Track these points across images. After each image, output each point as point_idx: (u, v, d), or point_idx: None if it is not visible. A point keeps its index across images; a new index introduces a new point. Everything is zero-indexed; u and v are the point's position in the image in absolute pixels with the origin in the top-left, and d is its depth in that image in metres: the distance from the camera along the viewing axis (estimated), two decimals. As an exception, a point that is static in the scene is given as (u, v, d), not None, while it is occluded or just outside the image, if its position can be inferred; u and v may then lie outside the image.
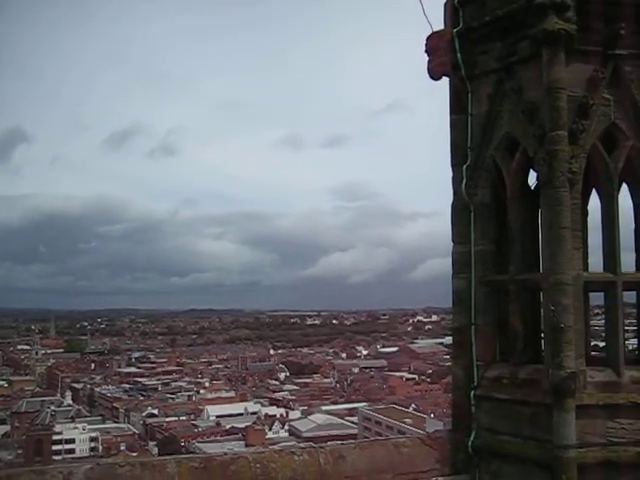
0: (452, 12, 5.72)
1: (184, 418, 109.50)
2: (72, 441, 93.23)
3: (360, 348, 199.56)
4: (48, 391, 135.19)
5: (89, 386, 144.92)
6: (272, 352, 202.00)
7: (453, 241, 5.79)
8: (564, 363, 4.88)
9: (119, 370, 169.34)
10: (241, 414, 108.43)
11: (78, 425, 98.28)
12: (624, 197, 5.46)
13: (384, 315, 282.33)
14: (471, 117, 5.67)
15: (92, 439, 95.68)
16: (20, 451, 79.15)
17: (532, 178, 5.53)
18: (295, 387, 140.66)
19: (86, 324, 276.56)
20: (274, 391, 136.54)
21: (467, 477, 5.52)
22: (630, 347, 5.57)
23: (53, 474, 4.58)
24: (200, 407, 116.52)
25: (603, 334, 5.37)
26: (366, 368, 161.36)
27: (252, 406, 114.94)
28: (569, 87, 5.05)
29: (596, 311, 6.35)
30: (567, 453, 4.81)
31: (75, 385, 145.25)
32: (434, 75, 5.79)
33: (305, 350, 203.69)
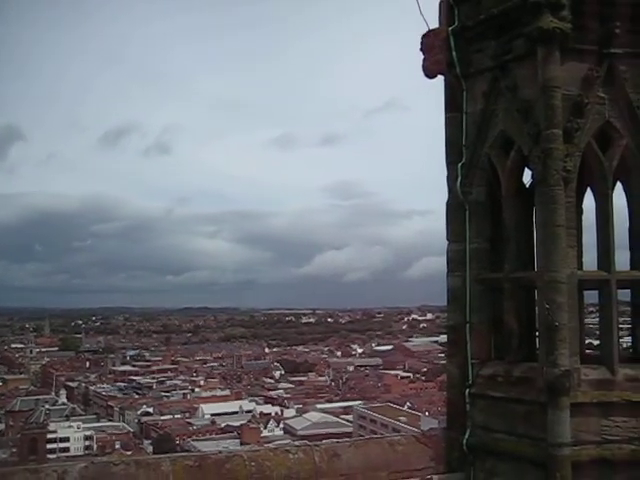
0: (447, 10, 5.72)
1: (179, 416, 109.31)
2: (67, 440, 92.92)
3: (355, 346, 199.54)
4: (42, 390, 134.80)
5: (84, 384, 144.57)
6: (267, 350, 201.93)
7: (448, 239, 5.79)
8: (558, 361, 4.89)
9: (114, 368, 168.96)
10: (236, 412, 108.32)
11: (73, 424, 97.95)
12: (618, 196, 5.48)
13: (379, 313, 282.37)
14: (466, 115, 5.68)
15: (87, 437, 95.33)
16: (14, 450, 78.91)
17: (527, 176, 5.55)
18: (290, 385, 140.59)
19: (81, 322, 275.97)
20: (269, 389, 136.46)
21: (462, 475, 5.53)
22: (624, 345, 5.58)
23: (47, 473, 4.57)
24: (195, 405, 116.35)
25: (597, 332, 5.38)
26: (361, 366, 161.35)
27: (247, 404, 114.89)
28: (564, 86, 5.06)
29: (590, 309, 6.37)
30: (561, 451, 4.82)
31: (70, 383, 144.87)
32: (429, 73, 5.79)
33: (300, 348, 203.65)
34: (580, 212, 5.72)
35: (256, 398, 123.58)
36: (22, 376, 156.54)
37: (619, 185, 5.53)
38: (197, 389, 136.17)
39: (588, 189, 5.72)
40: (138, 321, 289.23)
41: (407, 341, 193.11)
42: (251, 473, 5.02)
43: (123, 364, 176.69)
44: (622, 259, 5.40)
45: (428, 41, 5.77)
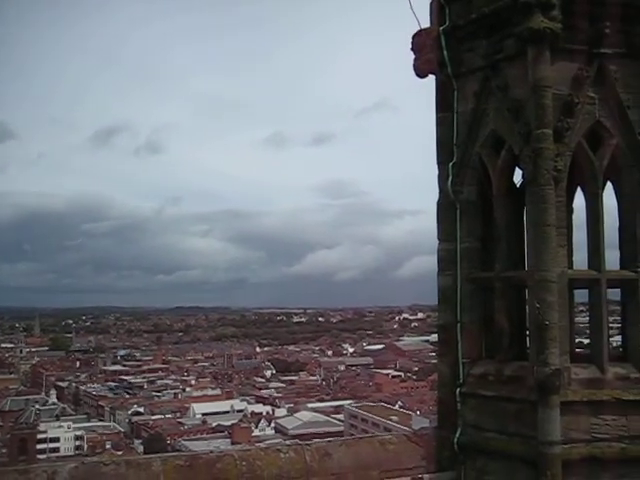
0: (438, 10, 5.72)
1: (170, 416, 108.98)
2: (57, 440, 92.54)
3: (346, 346, 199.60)
4: (32, 389, 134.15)
5: (74, 384, 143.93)
6: (258, 350, 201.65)
7: (439, 238, 5.80)
8: (549, 360, 4.91)
9: (104, 368, 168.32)
10: (227, 412, 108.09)
11: (63, 424, 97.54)
12: (609, 195, 5.50)
13: (370, 312, 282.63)
14: (457, 115, 5.68)
15: (77, 438, 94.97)
16: (4, 450, 78.50)
17: (518, 176, 5.56)
18: (281, 385, 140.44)
19: (71, 322, 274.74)
20: (260, 389, 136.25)
21: (453, 474, 5.54)
22: (614, 344, 5.61)
23: (37, 473, 4.55)
24: (186, 405, 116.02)
25: (588, 331, 5.41)
26: (352, 366, 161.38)
27: (238, 404, 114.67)
28: (554, 85, 5.08)
29: (581, 308, 6.38)
30: (552, 449, 4.83)
31: (60, 383, 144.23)
32: (420, 73, 5.80)
33: (291, 348, 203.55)
34: (570, 211, 5.74)
35: (247, 397, 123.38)
36: (12, 376, 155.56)
37: (609, 185, 5.55)
38: (188, 389, 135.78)
39: (578, 188, 5.74)
40: (129, 320, 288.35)
41: (398, 340, 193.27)
42: (242, 473, 5.01)
43: (114, 364, 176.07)
44: (612, 258, 5.42)
45: (419, 40, 5.77)
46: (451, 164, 5.68)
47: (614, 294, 5.48)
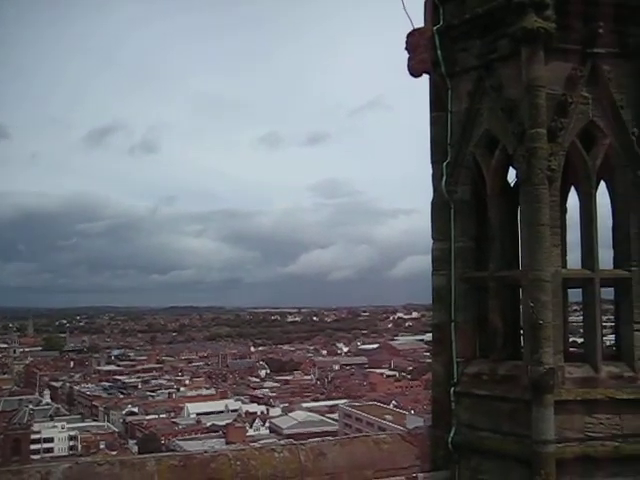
0: (432, 9, 5.73)
1: (164, 416, 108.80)
2: (51, 440, 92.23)
3: (340, 345, 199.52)
4: (26, 390, 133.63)
5: (68, 384, 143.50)
6: (252, 349, 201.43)
7: (433, 238, 5.81)
8: (543, 359, 4.92)
9: (98, 368, 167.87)
10: (221, 412, 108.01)
11: (57, 424, 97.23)
12: (602, 195, 5.51)
13: (364, 312, 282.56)
14: (451, 114, 5.69)
15: (71, 438, 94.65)
16: (-3, 450, 78.25)
17: (512, 175, 5.57)
18: (276, 384, 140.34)
19: (65, 322, 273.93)
20: (254, 388, 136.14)
21: (447, 473, 5.55)
22: (608, 343, 5.62)
23: (31, 474, 4.54)
24: (180, 405, 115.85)
25: (581, 330, 5.42)
26: (346, 365, 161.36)
27: (233, 403, 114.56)
28: (548, 85, 5.09)
29: (574, 307, 6.40)
30: (546, 448, 4.84)
31: (54, 383, 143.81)
32: (414, 72, 5.80)
33: (286, 347, 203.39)
34: (564, 211, 5.76)
35: (242, 397, 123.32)
36: (5, 376, 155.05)
37: (603, 184, 5.56)
38: (182, 388, 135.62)
39: (572, 188, 5.75)
40: (123, 320, 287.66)
41: (392, 340, 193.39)
42: (236, 472, 5.01)
43: (108, 364, 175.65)
44: (606, 258, 5.44)
45: (413, 40, 5.77)
46: (445, 164, 5.69)
47: (608, 293, 5.50)
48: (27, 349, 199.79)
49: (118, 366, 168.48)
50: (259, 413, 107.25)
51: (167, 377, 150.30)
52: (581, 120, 5.24)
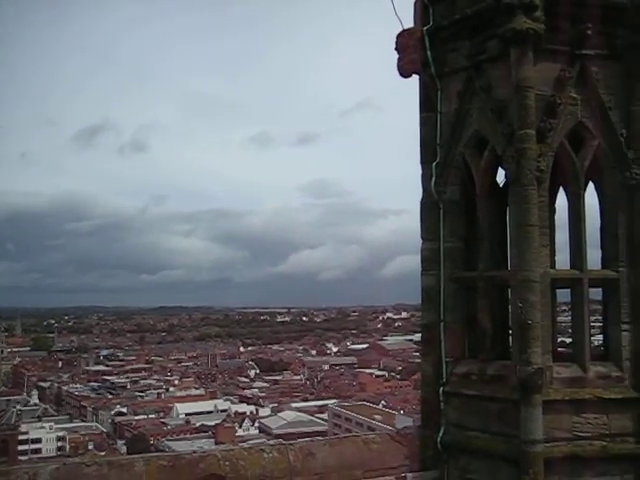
0: (422, 10, 5.74)
1: (153, 416, 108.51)
2: (38, 441, 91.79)
3: (330, 345, 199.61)
4: (14, 390, 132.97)
5: (56, 385, 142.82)
6: (242, 349, 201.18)
7: (422, 238, 5.81)
8: (531, 359, 4.93)
9: (87, 368, 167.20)
10: (211, 412, 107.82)
11: (45, 424, 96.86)
12: (590, 195, 5.54)
13: (354, 312, 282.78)
14: (441, 115, 5.70)
15: (59, 438, 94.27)
16: (-15, 451, 77.74)
17: (501, 176, 5.58)
18: (265, 384, 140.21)
19: (53, 322, 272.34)
20: (244, 388, 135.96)
21: (436, 473, 5.56)
22: (596, 343, 5.65)
23: (18, 475, 4.51)
24: (169, 405, 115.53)
25: (570, 330, 5.44)
26: (336, 365, 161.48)
27: (222, 404, 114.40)
28: (537, 86, 5.10)
29: (563, 307, 6.42)
30: (534, 448, 4.86)
31: (42, 384, 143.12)
32: (404, 73, 5.80)
33: (275, 347, 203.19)
34: (553, 211, 5.78)
35: (231, 397, 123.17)
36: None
37: (591, 185, 5.59)
38: (171, 388, 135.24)
39: (561, 189, 5.77)
40: (112, 320, 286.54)
41: (382, 340, 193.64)
42: (225, 473, 4.99)
43: (96, 364, 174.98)
44: (594, 258, 5.46)
45: (403, 40, 5.78)
46: (434, 164, 5.69)
47: (596, 293, 5.52)
48: (15, 349, 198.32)
49: (107, 366, 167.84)
50: (248, 413, 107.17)
51: (156, 377, 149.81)
52: (570, 121, 5.26)
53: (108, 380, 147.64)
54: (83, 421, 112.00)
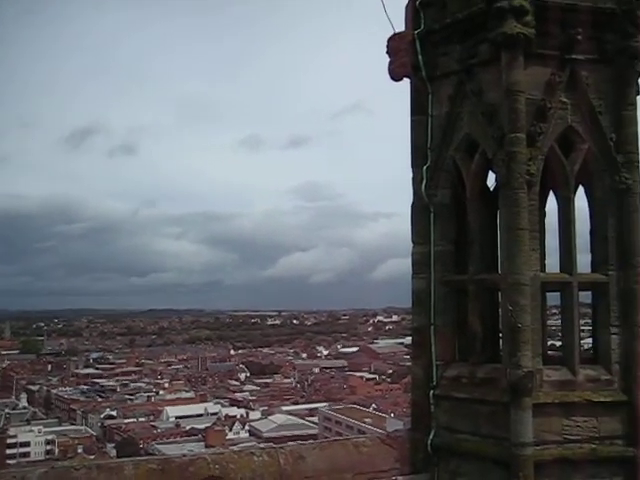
0: (413, 14, 5.75)
1: (143, 419, 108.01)
2: (27, 444, 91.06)
3: (321, 348, 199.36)
4: (2, 393, 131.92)
5: (45, 388, 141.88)
6: (232, 352, 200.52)
7: (413, 241, 5.82)
8: (521, 362, 4.95)
9: (76, 371, 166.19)
10: (201, 415, 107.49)
11: (33, 428, 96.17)
12: (580, 199, 5.57)
13: (344, 315, 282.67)
14: (431, 118, 5.71)
15: (48, 442, 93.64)
16: (-27, 455, 77.16)
17: (492, 179, 5.60)
18: (255, 387, 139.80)
19: (42, 325, 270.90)
20: (234, 391, 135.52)
21: (426, 476, 5.56)
22: (585, 346, 5.67)
23: (7, 479, 4.47)
24: (159, 408, 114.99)
25: (559, 333, 5.46)
26: (327, 368, 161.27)
27: (212, 407, 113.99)
28: (527, 90, 5.13)
29: (553, 311, 6.44)
30: (524, 451, 4.87)
31: (31, 387, 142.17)
32: (395, 76, 5.81)
33: (265, 350, 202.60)
34: (543, 215, 5.80)
35: (221, 400, 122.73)
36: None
37: (581, 189, 5.61)
38: (161, 392, 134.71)
39: (551, 192, 5.79)
40: (102, 323, 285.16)
41: (372, 343, 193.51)
42: (214, 476, 4.97)
43: (86, 367, 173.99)
44: (584, 262, 5.48)
45: (394, 44, 5.79)
46: (425, 167, 5.70)
47: (585, 297, 5.54)
48: (4, 352, 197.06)
49: (96, 369, 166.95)
50: (239, 416, 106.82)
51: (146, 380, 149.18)
52: (560, 125, 5.29)
53: (98, 383, 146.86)
54: (72, 424, 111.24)
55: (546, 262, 5.73)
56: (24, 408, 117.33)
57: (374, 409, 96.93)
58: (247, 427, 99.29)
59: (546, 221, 5.89)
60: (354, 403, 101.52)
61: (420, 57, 5.66)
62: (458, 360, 5.64)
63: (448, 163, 5.63)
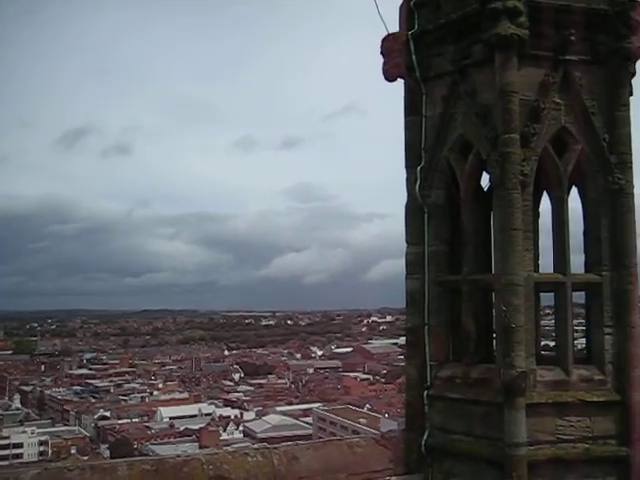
0: (407, 14, 5.75)
1: (137, 420, 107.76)
2: (20, 445, 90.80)
3: (315, 349, 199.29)
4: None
5: (39, 388, 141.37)
6: (226, 353, 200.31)
7: (407, 242, 5.82)
8: (515, 362, 4.96)
9: (70, 372, 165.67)
10: (195, 415, 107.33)
11: (27, 429, 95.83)
12: (574, 199, 5.58)
13: (339, 316, 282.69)
14: (425, 119, 5.72)
15: (41, 443, 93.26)
16: (-35, 456, 76.98)
17: (485, 180, 5.61)
18: (249, 388, 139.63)
19: (36, 325, 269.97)
20: (228, 392, 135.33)
21: (420, 476, 5.56)
22: (579, 347, 5.68)
23: (-1, 479, 4.46)
24: (153, 409, 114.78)
25: (553, 334, 5.47)
26: (321, 369, 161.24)
27: (206, 407, 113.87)
28: (521, 91, 5.14)
29: (546, 311, 6.46)
30: (518, 451, 4.88)
31: (24, 388, 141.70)
32: (389, 77, 5.82)
33: (260, 351, 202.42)
34: (537, 216, 5.82)
35: (215, 401, 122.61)
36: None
37: (574, 189, 5.63)
38: (155, 392, 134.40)
39: (544, 193, 5.81)
40: (96, 324, 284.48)
41: (367, 343, 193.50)
42: (209, 477, 4.97)
43: (80, 367, 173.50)
44: (577, 262, 5.50)
45: (388, 45, 5.80)
46: (419, 168, 5.71)
47: (579, 297, 5.56)
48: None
49: (90, 370, 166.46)
50: (233, 417, 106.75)
51: (140, 381, 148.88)
52: (553, 126, 5.30)
53: (91, 384, 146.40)
54: (66, 425, 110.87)
55: (540, 262, 5.74)
56: (17, 409, 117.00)
57: (368, 409, 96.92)
58: (241, 427, 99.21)
59: (540, 221, 5.90)
60: (348, 403, 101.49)
61: (414, 58, 5.66)
62: (452, 360, 5.64)
63: (442, 164, 5.63)
